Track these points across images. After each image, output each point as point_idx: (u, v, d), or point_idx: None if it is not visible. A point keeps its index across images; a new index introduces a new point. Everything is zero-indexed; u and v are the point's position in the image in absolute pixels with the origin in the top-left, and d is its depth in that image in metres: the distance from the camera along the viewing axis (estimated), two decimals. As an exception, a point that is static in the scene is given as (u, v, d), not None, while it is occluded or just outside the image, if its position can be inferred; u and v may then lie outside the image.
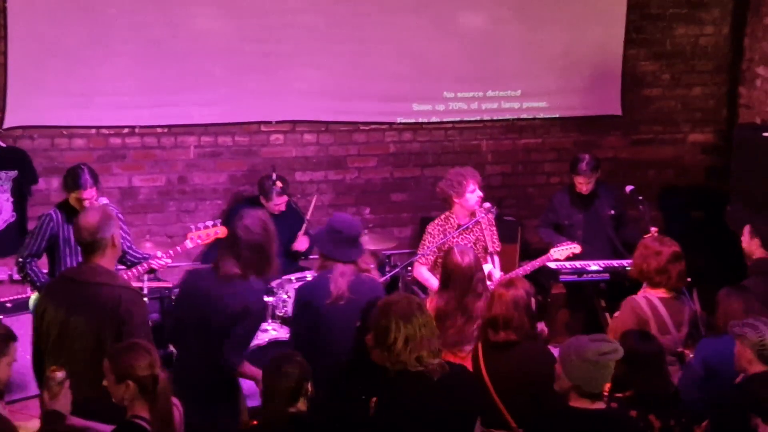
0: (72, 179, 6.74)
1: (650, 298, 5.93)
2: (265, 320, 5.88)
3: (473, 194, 7.22)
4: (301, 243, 8.11)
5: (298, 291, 5.80)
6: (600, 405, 4.49)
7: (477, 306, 5.96)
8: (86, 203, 6.66)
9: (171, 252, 6.87)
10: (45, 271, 6.84)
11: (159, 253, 6.86)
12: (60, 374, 4.46)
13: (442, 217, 7.38)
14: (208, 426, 5.33)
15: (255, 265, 5.43)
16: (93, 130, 8.47)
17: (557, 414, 4.59)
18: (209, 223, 6.96)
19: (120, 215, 6.94)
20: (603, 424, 4.45)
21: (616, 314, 6.14)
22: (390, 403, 4.50)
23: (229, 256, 5.42)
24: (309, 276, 7.50)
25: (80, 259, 5.45)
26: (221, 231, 6.80)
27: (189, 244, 6.88)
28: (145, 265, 6.81)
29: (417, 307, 4.57)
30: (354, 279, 5.53)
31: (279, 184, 8.02)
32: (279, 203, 8.06)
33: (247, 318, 5.38)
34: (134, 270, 6.79)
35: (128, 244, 6.90)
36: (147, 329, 5.24)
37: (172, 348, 6.43)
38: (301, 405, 4.48)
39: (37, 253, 6.74)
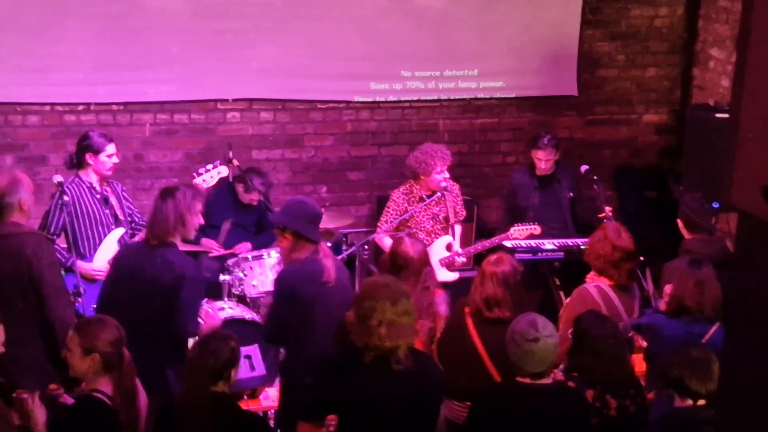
0: (91, 145, 6.73)
1: (601, 286, 5.96)
2: (203, 285, 5.87)
3: (440, 175, 7.35)
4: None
5: (281, 281, 5.56)
6: (545, 381, 4.58)
7: (428, 300, 5.92)
8: (111, 163, 6.75)
9: None
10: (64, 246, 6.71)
11: None
12: (25, 396, 4.42)
13: (407, 185, 7.52)
14: (163, 392, 5.36)
15: (168, 230, 5.50)
16: (47, 107, 8.39)
17: (502, 387, 4.70)
18: (209, 166, 6.86)
19: (124, 189, 7.08)
20: (545, 398, 4.56)
21: (567, 301, 6.20)
22: (354, 390, 4.46)
23: (150, 222, 5.56)
24: (266, 255, 7.52)
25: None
26: (222, 170, 6.84)
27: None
28: None
29: (405, 295, 4.49)
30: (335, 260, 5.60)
31: (247, 185, 7.95)
32: (247, 200, 8.04)
33: (185, 283, 5.42)
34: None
35: (138, 217, 6.95)
36: (56, 269, 5.50)
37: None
38: (222, 386, 4.42)
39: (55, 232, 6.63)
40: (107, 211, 6.64)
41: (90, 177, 6.72)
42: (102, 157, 6.73)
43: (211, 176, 6.81)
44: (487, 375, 5.29)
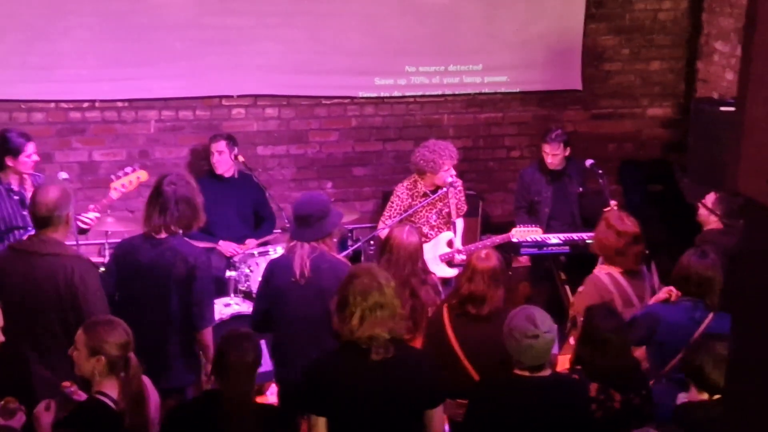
0: (10, 148, 6.53)
1: (612, 273, 5.99)
2: (212, 277, 5.89)
3: (446, 173, 7.36)
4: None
5: (266, 265, 5.91)
6: (544, 373, 4.57)
7: (425, 293, 5.97)
8: (31, 162, 6.57)
9: (97, 206, 6.68)
10: None
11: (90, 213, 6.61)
12: (13, 405, 4.39)
13: (412, 180, 7.52)
14: (175, 387, 5.45)
15: (183, 219, 5.51)
16: (52, 104, 8.39)
17: (500, 380, 4.69)
18: (128, 169, 6.81)
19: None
20: (543, 390, 4.55)
21: (580, 289, 6.20)
22: (325, 377, 4.47)
23: (157, 214, 5.50)
24: (272, 251, 7.54)
25: (14, 234, 5.76)
26: (142, 175, 6.77)
27: (114, 194, 6.68)
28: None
29: (377, 286, 4.43)
30: (316, 260, 5.53)
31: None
32: (217, 160, 8.07)
33: (196, 274, 5.46)
34: None
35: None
36: (102, 298, 5.29)
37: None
38: None
39: None
40: (24, 213, 6.27)
41: (8, 179, 6.50)
42: (22, 158, 6.53)
43: (129, 181, 6.70)
44: (464, 373, 5.29)
